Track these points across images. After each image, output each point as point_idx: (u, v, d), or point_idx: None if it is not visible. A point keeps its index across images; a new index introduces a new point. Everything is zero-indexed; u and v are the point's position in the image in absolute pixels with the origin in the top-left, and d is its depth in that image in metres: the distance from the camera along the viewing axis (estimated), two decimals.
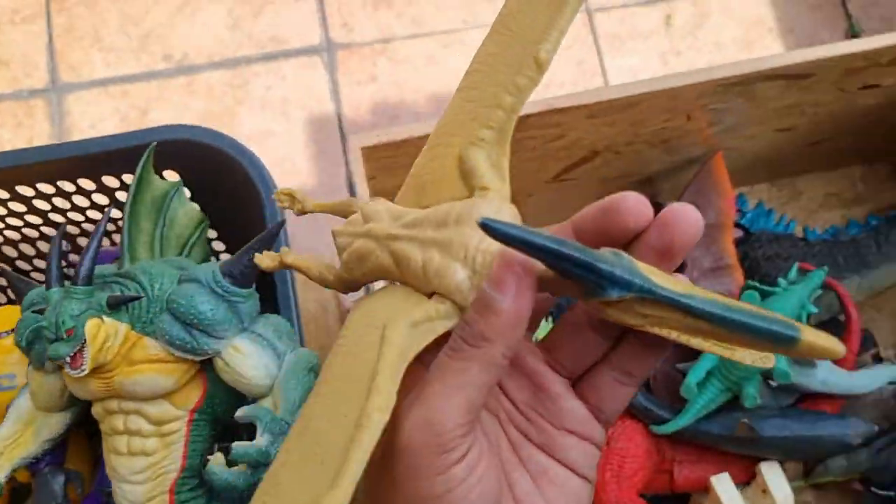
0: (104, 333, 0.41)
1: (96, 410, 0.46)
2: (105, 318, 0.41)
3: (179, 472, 0.45)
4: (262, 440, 0.39)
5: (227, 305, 0.42)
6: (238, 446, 0.39)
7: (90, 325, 0.41)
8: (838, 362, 0.56)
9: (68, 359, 0.40)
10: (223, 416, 0.47)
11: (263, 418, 0.39)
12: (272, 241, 0.43)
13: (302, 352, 0.44)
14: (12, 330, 0.58)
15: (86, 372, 0.41)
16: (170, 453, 0.45)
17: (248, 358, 0.42)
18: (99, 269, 0.45)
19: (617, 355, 0.24)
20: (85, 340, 0.40)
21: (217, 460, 0.40)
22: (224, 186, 0.51)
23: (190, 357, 0.42)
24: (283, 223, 0.44)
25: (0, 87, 0.76)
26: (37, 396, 0.47)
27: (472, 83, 0.26)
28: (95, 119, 0.75)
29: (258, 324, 0.44)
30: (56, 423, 0.50)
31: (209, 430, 0.46)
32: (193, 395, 0.45)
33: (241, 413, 0.40)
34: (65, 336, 0.40)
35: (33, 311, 0.43)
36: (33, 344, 0.43)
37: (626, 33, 0.79)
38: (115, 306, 0.42)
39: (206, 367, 0.45)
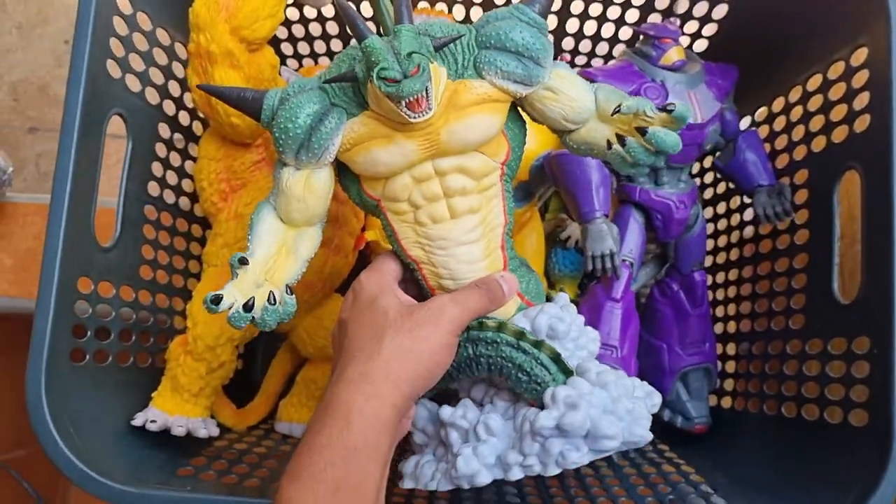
0: (438, 77, 0.40)
1: (395, 187, 0.43)
2: (433, 61, 0.40)
3: (503, 228, 0.45)
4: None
5: (543, 36, 0.42)
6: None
7: (432, 67, 0.40)
8: None
9: (409, 100, 0.39)
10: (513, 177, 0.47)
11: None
12: None
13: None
14: None
15: (432, 112, 0.40)
16: (492, 208, 0.44)
17: (572, 82, 0.43)
18: None
19: None
20: (431, 79, 0.39)
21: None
22: None
23: (520, 90, 0.42)
24: None
25: None
26: (291, 208, 0.44)
27: None
28: None
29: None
30: (312, 239, 0.46)
31: (510, 189, 0.46)
32: (502, 148, 0.44)
33: (629, 103, 0.41)
34: (410, 73, 0.38)
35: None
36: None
37: None
38: (440, 48, 0.41)
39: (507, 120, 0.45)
